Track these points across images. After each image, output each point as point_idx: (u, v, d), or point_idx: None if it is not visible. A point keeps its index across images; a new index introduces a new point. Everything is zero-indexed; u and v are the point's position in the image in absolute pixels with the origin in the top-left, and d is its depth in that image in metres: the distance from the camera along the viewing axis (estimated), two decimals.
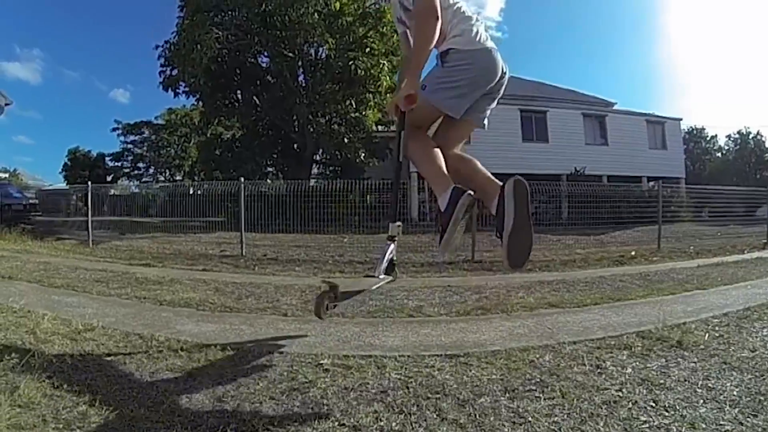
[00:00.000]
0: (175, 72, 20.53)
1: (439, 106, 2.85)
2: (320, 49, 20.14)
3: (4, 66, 76.10)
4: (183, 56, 18.06)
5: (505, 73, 2.93)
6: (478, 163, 2.88)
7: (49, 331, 3.10)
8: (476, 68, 2.90)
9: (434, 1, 2.71)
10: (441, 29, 2.76)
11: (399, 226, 3.05)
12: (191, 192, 15.34)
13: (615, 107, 30.76)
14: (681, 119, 30.42)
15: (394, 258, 3.07)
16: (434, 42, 2.78)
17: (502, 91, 3.01)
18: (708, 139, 54.51)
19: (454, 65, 2.84)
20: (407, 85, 2.68)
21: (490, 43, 2.93)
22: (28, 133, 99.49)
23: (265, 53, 21.53)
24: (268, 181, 19.59)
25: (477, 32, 2.95)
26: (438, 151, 2.84)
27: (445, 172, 2.76)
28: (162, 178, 49.73)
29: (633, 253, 8.99)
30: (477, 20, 2.98)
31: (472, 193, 2.64)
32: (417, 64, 2.76)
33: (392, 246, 3.02)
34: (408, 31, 3.15)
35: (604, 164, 24.32)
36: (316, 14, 17.32)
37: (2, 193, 17.69)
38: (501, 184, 2.57)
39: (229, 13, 19.05)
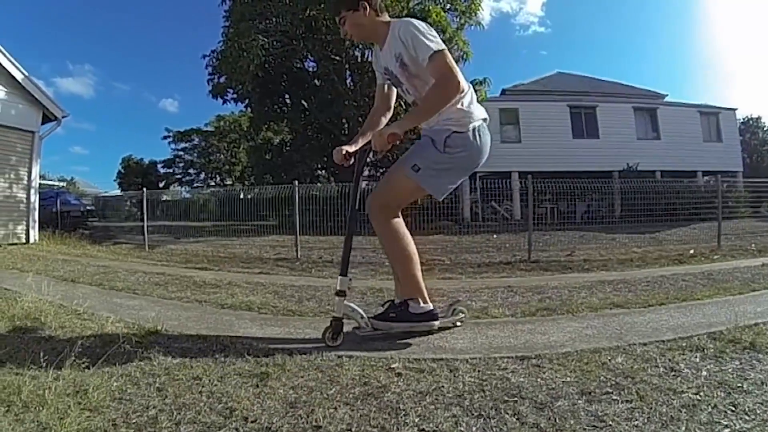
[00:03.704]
0: (222, 80, 21.00)
1: (432, 191, 3.02)
2: (366, 51, 20.19)
3: (59, 81, 79.53)
4: (230, 64, 18.41)
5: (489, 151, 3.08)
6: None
7: (114, 334, 3.17)
8: (471, 155, 3.00)
9: (459, 78, 2.80)
10: None
11: (350, 280, 3.11)
12: (242, 196, 15.63)
13: (666, 99, 29.86)
14: (736, 109, 29.19)
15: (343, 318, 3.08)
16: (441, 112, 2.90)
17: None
18: (765, 129, 52.27)
19: (456, 152, 2.94)
20: (394, 127, 2.81)
21: (481, 116, 3.03)
22: (83, 143, 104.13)
23: (311, 58, 21.74)
24: (319, 184, 19.78)
25: (471, 107, 3.01)
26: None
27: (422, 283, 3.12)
28: (213, 183, 50.84)
29: (692, 251, 8.74)
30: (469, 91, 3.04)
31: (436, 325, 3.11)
32: (415, 122, 2.95)
33: (342, 301, 3.06)
34: (402, 88, 3.18)
35: (656, 159, 23.65)
36: None
37: (61, 200, 18.56)
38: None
39: (274, 19, 19.24)
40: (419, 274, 3.08)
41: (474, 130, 2.95)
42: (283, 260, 8.80)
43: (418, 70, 2.90)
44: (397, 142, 2.81)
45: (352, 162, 3.17)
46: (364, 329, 3.10)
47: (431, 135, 2.99)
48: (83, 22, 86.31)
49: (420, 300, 3.06)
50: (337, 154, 3.15)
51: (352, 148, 3.14)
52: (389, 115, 3.37)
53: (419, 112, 2.91)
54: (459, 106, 2.93)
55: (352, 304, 3.12)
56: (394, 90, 3.36)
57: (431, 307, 3.08)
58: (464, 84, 2.90)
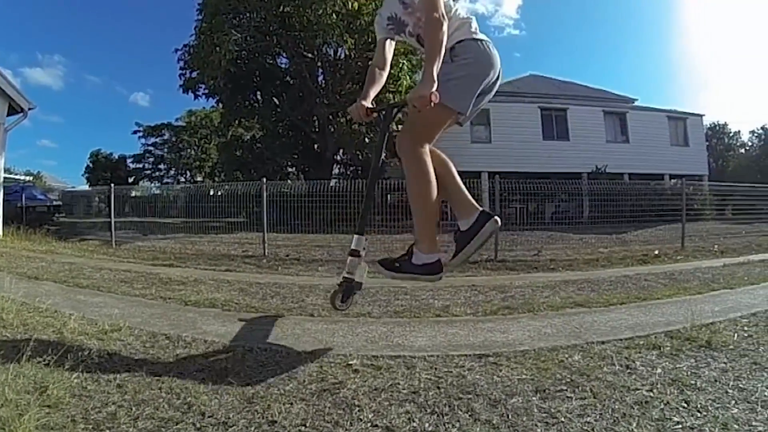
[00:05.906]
0: (194, 74, 20.82)
1: (454, 105, 2.88)
2: (339, 49, 20.15)
3: (27, 72, 77.55)
4: (202, 59, 18.26)
5: (500, 70, 3.00)
6: (457, 177, 3.04)
7: (76, 332, 3.11)
8: (479, 61, 2.96)
9: (441, 8, 2.77)
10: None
11: (366, 240, 2.97)
12: (212, 193, 15.45)
13: (636, 104, 30.37)
14: (703, 115, 30.06)
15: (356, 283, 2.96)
16: (445, 43, 2.81)
17: (494, 91, 3.05)
18: (731, 134, 53.44)
19: (463, 59, 2.89)
20: (428, 83, 2.64)
21: (485, 37, 3.00)
22: (51, 137, 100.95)
23: (284, 54, 21.69)
24: (289, 181, 19.67)
25: (475, 26, 3.00)
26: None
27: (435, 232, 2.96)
28: (183, 180, 50.21)
29: (656, 252, 8.88)
30: (471, 18, 3.03)
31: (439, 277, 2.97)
32: (433, 66, 2.79)
33: (358, 263, 2.93)
34: (405, 31, 3.15)
35: (625, 162, 24.11)
36: (334, 15, 17.28)
37: (27, 195, 18.00)
38: (480, 209, 2.89)
39: (247, 15, 19.13)
40: (433, 220, 2.94)
41: (478, 40, 2.94)
42: (250, 257, 8.71)
43: (415, 4, 2.92)
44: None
45: (374, 115, 3.11)
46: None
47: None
48: (54, 11, 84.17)
49: (427, 248, 2.90)
50: (355, 110, 3.07)
51: (368, 103, 3.07)
52: (387, 69, 3.31)
53: (430, 56, 2.79)
54: (457, 27, 2.93)
55: (365, 265, 2.97)
56: (392, 47, 3.34)
57: (436, 258, 2.89)
58: (451, 12, 2.93)
